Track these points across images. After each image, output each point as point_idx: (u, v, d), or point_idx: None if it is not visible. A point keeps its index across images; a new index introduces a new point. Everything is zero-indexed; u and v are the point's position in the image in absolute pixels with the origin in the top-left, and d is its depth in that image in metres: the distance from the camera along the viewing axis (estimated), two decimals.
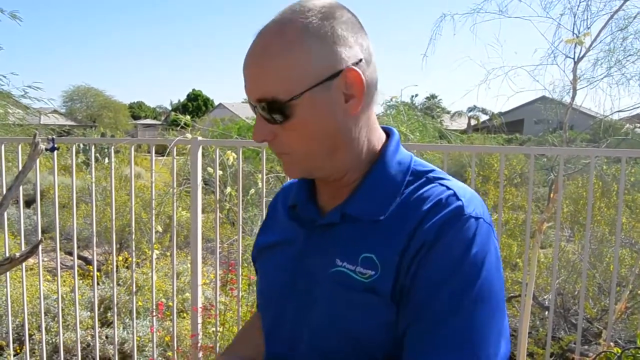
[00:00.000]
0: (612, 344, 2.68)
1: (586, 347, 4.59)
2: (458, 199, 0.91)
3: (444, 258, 0.87)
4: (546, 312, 5.16)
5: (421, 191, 0.94)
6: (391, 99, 3.98)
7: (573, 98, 3.16)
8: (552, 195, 3.17)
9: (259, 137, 0.96)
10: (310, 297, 0.98)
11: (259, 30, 0.94)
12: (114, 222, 3.18)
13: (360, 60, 0.93)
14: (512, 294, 5.36)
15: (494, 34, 3.57)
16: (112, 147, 3.21)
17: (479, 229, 0.88)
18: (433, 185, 0.95)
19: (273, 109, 0.91)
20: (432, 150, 3.82)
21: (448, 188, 0.93)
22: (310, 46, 0.90)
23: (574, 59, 3.15)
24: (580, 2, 3.28)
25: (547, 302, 5.16)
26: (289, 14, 0.93)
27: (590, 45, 3.20)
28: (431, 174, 0.98)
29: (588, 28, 3.25)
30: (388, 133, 1.05)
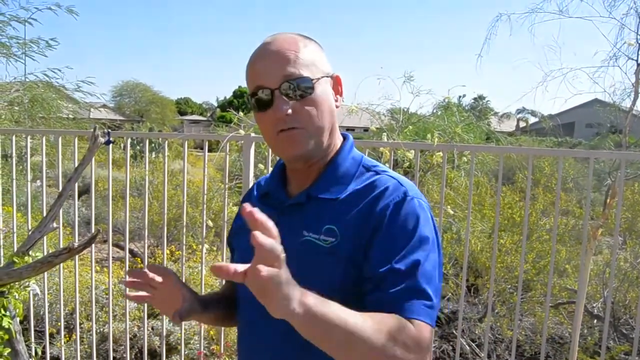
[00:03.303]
0: None
1: (637, 358, 4.45)
2: (402, 185, 1.21)
3: (402, 229, 1.15)
4: (595, 321, 5.03)
5: (371, 180, 1.24)
6: (444, 100, 3.92)
7: (634, 102, 3.06)
8: (608, 200, 3.08)
9: (283, 111, 1.18)
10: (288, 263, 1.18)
11: (273, 37, 1.26)
12: (165, 216, 3.21)
13: None
14: (559, 301, 5.23)
15: (553, 35, 3.46)
16: (166, 142, 3.24)
17: (420, 205, 1.19)
18: (380, 176, 1.25)
19: (302, 86, 1.20)
20: (486, 151, 3.75)
21: (393, 177, 1.24)
22: (323, 51, 1.31)
23: (637, 61, 3.04)
24: None
25: (595, 310, 5.03)
26: (295, 32, 1.29)
27: None
28: (377, 168, 1.30)
29: None
30: (344, 137, 1.36)
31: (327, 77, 1.28)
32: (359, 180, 1.26)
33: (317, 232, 1.21)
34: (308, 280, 1.11)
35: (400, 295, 1.11)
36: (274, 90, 1.20)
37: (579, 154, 3.43)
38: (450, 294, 5.59)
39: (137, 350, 4.35)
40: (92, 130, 2.65)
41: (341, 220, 1.20)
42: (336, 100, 1.30)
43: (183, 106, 75.60)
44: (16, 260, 2.60)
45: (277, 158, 3.11)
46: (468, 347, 4.87)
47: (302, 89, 1.20)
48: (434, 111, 5.16)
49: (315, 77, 1.22)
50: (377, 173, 1.27)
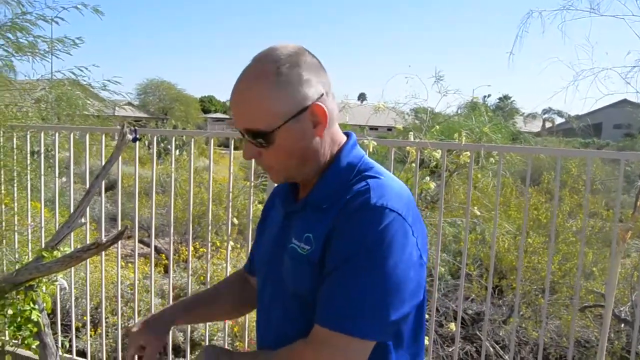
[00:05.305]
0: None
1: None
2: (368, 192, 1.17)
3: (351, 237, 1.14)
4: (622, 325, 4.95)
5: (354, 186, 1.21)
6: (472, 99, 3.88)
7: None
8: (639, 203, 3.03)
9: (249, 156, 1.26)
10: (282, 265, 1.30)
11: (241, 72, 1.22)
12: (190, 213, 3.23)
13: (322, 94, 1.22)
14: (585, 304, 5.16)
15: (584, 33, 3.39)
16: (192, 140, 3.25)
17: (381, 215, 1.13)
18: (361, 182, 1.22)
19: (258, 137, 1.20)
20: (514, 152, 3.69)
21: (366, 184, 1.20)
22: (283, 90, 1.17)
23: None
24: None
25: (623, 314, 4.96)
26: (262, 63, 1.20)
27: None
28: (367, 172, 1.26)
29: None
30: (347, 136, 1.34)
31: (294, 117, 1.19)
32: (347, 186, 1.24)
33: (299, 240, 1.25)
34: (293, 284, 1.27)
35: (320, 302, 1.18)
36: (241, 132, 1.24)
37: (609, 155, 3.36)
38: (474, 295, 5.55)
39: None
40: (119, 127, 2.68)
41: (318, 228, 1.22)
42: (317, 131, 1.23)
43: (207, 104, 75.99)
44: (45, 255, 2.64)
45: None
46: (492, 349, 4.82)
47: (260, 142, 1.21)
48: (458, 111, 5.13)
49: (272, 127, 1.18)
50: (362, 178, 1.24)
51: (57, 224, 3.76)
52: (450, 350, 4.79)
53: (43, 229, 3.68)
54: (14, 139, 3.73)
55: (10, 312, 2.78)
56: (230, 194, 3.09)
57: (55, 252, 2.65)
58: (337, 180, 1.26)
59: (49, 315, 3.17)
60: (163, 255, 6.89)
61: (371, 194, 1.17)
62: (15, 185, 3.74)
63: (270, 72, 1.18)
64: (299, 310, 1.26)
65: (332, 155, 1.30)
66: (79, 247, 2.52)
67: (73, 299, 3.90)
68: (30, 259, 3.01)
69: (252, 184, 3.05)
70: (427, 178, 3.06)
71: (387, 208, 1.15)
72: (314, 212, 1.26)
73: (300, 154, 1.24)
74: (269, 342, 1.36)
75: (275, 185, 1.53)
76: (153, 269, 3.53)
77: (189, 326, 3.43)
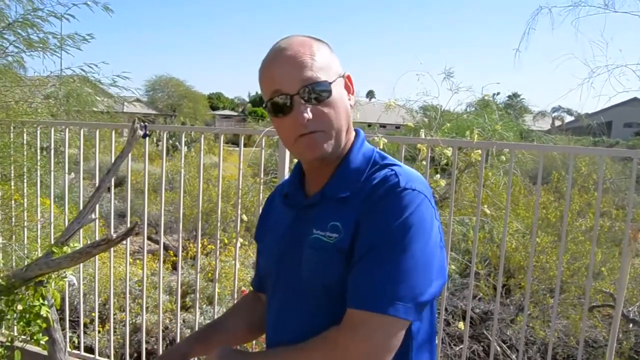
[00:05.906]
0: None
1: None
2: (397, 177, 1.21)
3: (383, 219, 1.17)
4: (630, 325, 4.92)
5: (375, 174, 1.26)
6: (483, 97, 3.85)
7: None
8: None
9: (304, 117, 1.21)
10: (298, 259, 1.29)
11: (287, 41, 1.28)
12: (200, 210, 3.23)
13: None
14: (594, 303, 5.13)
15: (597, 30, 3.34)
16: (202, 136, 3.25)
17: (412, 197, 1.18)
18: (384, 169, 1.27)
19: (319, 89, 1.22)
20: (526, 149, 3.66)
21: (392, 170, 1.25)
22: (334, 54, 1.32)
23: None
24: None
25: (632, 314, 4.93)
26: (312, 37, 1.31)
27: None
28: (385, 161, 1.31)
29: None
30: (356, 132, 1.39)
31: (341, 77, 1.31)
32: (367, 176, 1.28)
33: (323, 229, 1.25)
34: (318, 274, 1.26)
35: (354, 285, 1.18)
36: (293, 96, 1.22)
37: (622, 153, 3.31)
38: (481, 294, 5.53)
39: (168, 341, 4.39)
40: (129, 123, 2.68)
41: (344, 216, 1.24)
42: (349, 99, 1.33)
43: (215, 101, 76.25)
44: (55, 251, 2.64)
45: None
46: (499, 349, 4.81)
47: (320, 92, 1.23)
48: (467, 109, 5.11)
49: (331, 79, 1.25)
50: (382, 167, 1.29)
51: (66, 220, 3.76)
52: (457, 349, 4.78)
53: (52, 225, 3.68)
54: (24, 135, 3.74)
55: (19, 307, 2.79)
56: (240, 191, 3.09)
57: (65, 248, 2.66)
58: (354, 171, 1.30)
59: (57, 311, 3.18)
60: (171, 252, 6.91)
61: (400, 178, 1.21)
62: (25, 181, 3.75)
63: (324, 41, 1.33)
64: (325, 303, 1.26)
65: (348, 145, 1.34)
66: (88, 242, 2.53)
67: (81, 295, 3.90)
68: (40, 255, 3.01)
69: (262, 180, 3.05)
70: (438, 176, 3.04)
71: (416, 190, 1.20)
72: (333, 202, 1.28)
73: (346, 116, 1.29)
74: (284, 341, 1.31)
75: (271, 193, 1.62)
76: (161, 266, 3.53)
77: (197, 323, 3.43)
